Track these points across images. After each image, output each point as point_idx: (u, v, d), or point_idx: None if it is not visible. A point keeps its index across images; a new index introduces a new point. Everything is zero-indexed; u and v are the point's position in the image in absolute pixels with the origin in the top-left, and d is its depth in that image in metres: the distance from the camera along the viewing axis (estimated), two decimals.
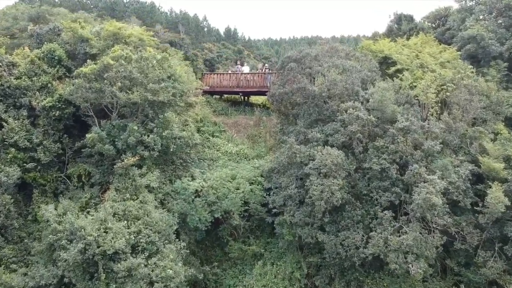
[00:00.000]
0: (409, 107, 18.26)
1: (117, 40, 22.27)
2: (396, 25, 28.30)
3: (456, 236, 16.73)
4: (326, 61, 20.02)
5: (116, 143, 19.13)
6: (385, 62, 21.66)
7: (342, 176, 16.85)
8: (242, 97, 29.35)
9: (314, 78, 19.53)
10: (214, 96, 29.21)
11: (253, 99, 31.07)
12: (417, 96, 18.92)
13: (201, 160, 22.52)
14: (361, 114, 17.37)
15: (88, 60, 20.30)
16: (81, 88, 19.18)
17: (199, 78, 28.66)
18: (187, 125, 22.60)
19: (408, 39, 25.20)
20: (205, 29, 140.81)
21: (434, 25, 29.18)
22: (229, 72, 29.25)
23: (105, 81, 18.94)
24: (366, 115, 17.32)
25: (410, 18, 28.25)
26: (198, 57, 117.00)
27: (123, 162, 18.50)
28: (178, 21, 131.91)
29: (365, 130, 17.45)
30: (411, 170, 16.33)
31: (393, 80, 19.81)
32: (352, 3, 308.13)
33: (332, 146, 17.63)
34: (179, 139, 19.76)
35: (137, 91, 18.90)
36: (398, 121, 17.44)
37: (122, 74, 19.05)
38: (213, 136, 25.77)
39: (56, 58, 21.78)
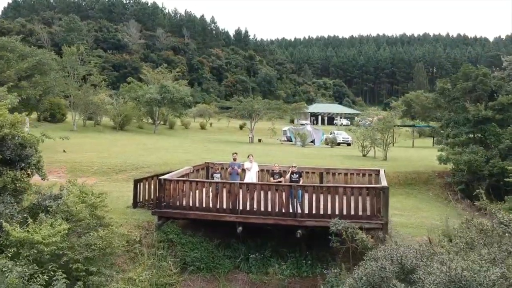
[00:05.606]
0: None
1: None
2: None
3: None
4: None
5: None
6: None
7: None
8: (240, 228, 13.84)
9: None
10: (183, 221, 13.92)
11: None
12: None
13: None
14: None
15: None
16: None
17: (160, 184, 13.40)
18: None
19: None
20: (213, 32, 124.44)
21: None
22: (214, 179, 13.81)
23: None
24: None
25: None
26: (204, 65, 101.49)
27: None
28: (182, 23, 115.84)
29: None
30: None
31: None
32: (369, 3, 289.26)
33: None
34: None
35: None
36: None
37: None
38: None
39: None
